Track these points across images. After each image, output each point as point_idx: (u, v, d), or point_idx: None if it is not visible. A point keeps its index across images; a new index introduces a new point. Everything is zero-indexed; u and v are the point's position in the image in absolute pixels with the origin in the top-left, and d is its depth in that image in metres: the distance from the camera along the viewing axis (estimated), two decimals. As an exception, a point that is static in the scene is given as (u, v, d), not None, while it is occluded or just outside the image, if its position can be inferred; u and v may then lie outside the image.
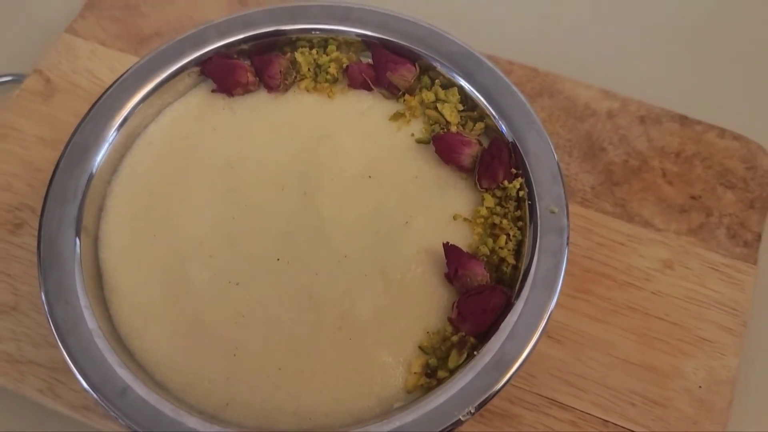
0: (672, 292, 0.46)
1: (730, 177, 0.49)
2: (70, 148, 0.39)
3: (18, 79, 0.55)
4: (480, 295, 0.36)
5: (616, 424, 0.42)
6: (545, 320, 0.35)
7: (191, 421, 0.33)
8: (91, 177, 0.39)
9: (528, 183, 0.39)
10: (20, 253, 0.47)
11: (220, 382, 0.36)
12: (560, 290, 0.36)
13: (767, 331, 0.47)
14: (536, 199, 0.38)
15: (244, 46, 0.43)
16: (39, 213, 0.39)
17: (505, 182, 0.39)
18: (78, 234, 0.38)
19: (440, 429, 0.33)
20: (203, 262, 0.38)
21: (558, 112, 0.51)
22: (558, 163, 0.39)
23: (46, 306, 0.35)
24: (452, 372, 0.35)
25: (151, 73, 0.42)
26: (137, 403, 0.34)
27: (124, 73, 0.42)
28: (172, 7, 0.56)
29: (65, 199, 0.38)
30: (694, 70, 0.57)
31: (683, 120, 0.51)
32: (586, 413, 0.43)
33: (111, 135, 0.40)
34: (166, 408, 0.34)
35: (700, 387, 0.43)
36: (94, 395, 0.34)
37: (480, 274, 0.37)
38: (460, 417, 0.33)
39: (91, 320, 0.35)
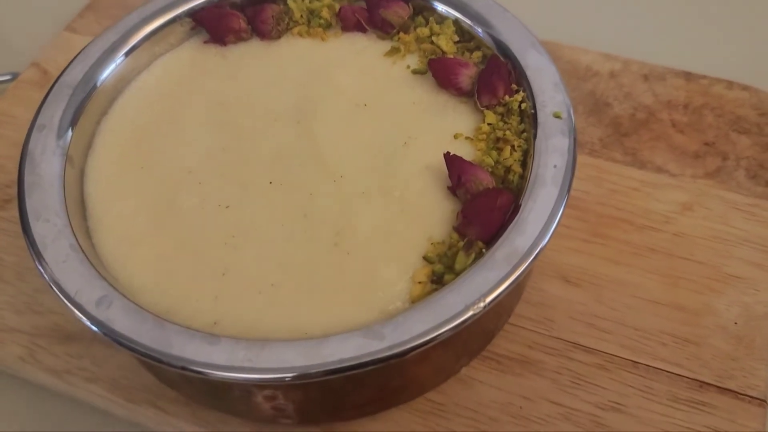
0: (694, 233, 0.43)
1: (743, 123, 0.47)
2: (57, 86, 0.38)
3: (15, 78, 0.55)
4: (486, 196, 0.33)
5: (647, 365, 0.39)
6: (558, 215, 0.32)
7: (174, 329, 0.30)
8: (77, 111, 0.38)
9: (530, 95, 0.37)
10: (6, 226, 0.46)
11: (208, 302, 0.33)
12: (570, 192, 0.34)
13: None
14: (538, 108, 0.36)
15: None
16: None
17: (506, 97, 0.37)
18: (63, 162, 0.36)
19: (450, 325, 0.30)
20: (192, 189, 0.36)
21: (560, 75, 0.50)
22: (559, 75, 0.37)
23: (22, 223, 0.33)
24: (460, 275, 0.32)
25: (143, 22, 0.41)
26: (117, 313, 0.31)
27: (117, 22, 0.41)
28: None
29: (51, 130, 0.37)
30: (694, 30, 0.57)
31: (688, 76, 0.50)
32: (614, 355, 0.39)
33: (101, 76, 0.39)
34: (147, 318, 0.31)
35: (735, 323, 0.39)
36: (70, 306, 0.31)
37: (485, 179, 0.35)
38: (472, 311, 0.30)
39: (70, 237, 0.33)
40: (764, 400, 0.37)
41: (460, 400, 0.38)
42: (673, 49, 0.54)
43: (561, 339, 0.40)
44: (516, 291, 0.39)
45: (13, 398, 0.42)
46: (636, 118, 0.48)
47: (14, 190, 0.46)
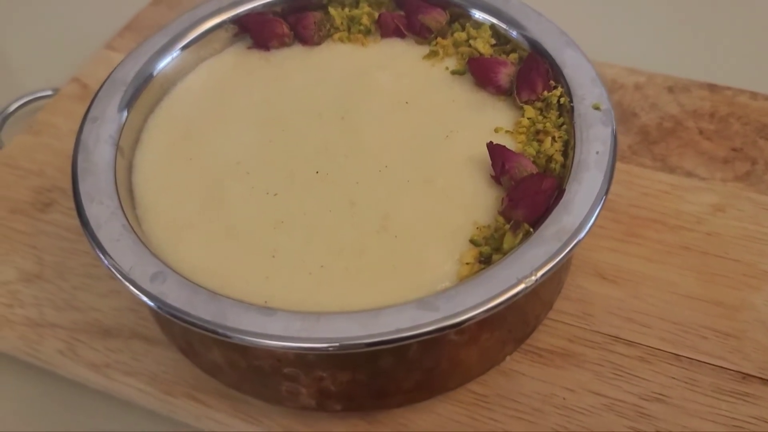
0: (727, 232, 0.44)
1: (769, 131, 0.48)
2: (109, 80, 0.40)
3: (56, 94, 0.56)
4: (531, 180, 0.34)
5: (689, 358, 0.39)
6: (603, 197, 0.33)
7: (228, 302, 0.31)
8: (128, 106, 0.39)
9: (568, 91, 0.38)
10: (48, 228, 0.46)
11: (258, 282, 0.33)
12: (614, 175, 0.34)
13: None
14: (577, 102, 0.37)
15: (278, 8, 0.45)
16: (70, 192, 0.36)
17: (545, 93, 0.39)
18: (114, 151, 0.37)
19: (504, 297, 0.30)
20: (240, 179, 0.37)
21: (585, 86, 0.52)
22: (595, 70, 0.38)
23: (76, 204, 0.34)
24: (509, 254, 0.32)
25: (191, 26, 0.43)
26: (171, 287, 0.31)
27: (166, 25, 0.43)
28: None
29: (102, 121, 0.38)
30: (718, 44, 0.58)
31: (712, 87, 0.51)
32: (655, 348, 0.39)
33: (149, 74, 0.41)
34: (201, 292, 0.31)
35: (774, 317, 0.40)
36: (125, 282, 0.31)
37: (528, 166, 0.35)
38: (524, 284, 0.30)
39: (122, 219, 0.34)
40: (809, 391, 0.37)
41: (502, 392, 0.38)
42: (695, 62, 0.56)
43: (601, 333, 0.40)
44: (555, 285, 0.40)
45: (49, 397, 0.42)
46: (663, 127, 0.49)
47: (56, 195, 0.48)
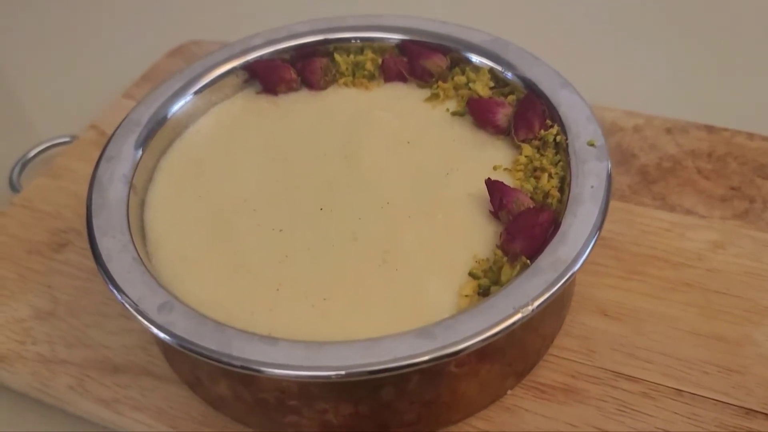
0: (728, 269, 0.44)
1: (767, 170, 0.49)
2: (125, 122, 0.42)
3: (74, 140, 0.58)
4: (528, 213, 0.35)
5: (692, 393, 0.39)
6: (598, 229, 0.34)
7: (233, 332, 0.31)
8: (143, 146, 0.41)
9: (564, 130, 0.39)
10: (62, 268, 0.48)
11: (263, 314, 0.34)
12: (609, 209, 0.35)
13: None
14: (573, 139, 0.39)
15: (287, 55, 0.47)
16: (84, 233, 0.38)
17: (542, 131, 0.40)
18: (127, 189, 0.38)
19: (501, 327, 0.31)
20: (247, 215, 0.39)
21: (586, 129, 0.53)
22: (591, 109, 0.40)
23: (89, 238, 0.35)
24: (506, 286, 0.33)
25: (204, 71, 0.45)
26: (178, 317, 0.32)
27: (179, 71, 0.45)
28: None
29: (118, 160, 0.39)
30: (715, 85, 0.60)
31: (709, 128, 0.53)
32: (658, 384, 0.39)
33: (163, 117, 0.43)
34: (207, 322, 0.32)
35: (777, 352, 0.40)
36: (133, 311, 0.32)
37: (525, 200, 0.36)
38: (521, 313, 0.31)
39: (132, 251, 0.35)
40: (813, 426, 0.37)
41: (505, 427, 0.38)
42: (693, 105, 0.57)
43: (603, 368, 0.40)
44: (556, 320, 0.40)
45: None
46: (662, 167, 0.50)
47: (71, 236, 0.49)
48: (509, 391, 0.38)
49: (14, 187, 0.54)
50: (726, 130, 0.52)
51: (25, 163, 0.57)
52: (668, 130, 0.53)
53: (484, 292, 0.34)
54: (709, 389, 0.39)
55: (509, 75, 0.43)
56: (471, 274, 0.35)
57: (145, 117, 0.42)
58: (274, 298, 0.35)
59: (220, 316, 0.34)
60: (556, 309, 0.36)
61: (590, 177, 0.36)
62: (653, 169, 0.50)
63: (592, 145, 0.38)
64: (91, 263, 0.35)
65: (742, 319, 0.41)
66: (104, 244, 0.35)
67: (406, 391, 0.33)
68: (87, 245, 0.36)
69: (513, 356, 0.37)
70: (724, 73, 0.62)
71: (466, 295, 0.34)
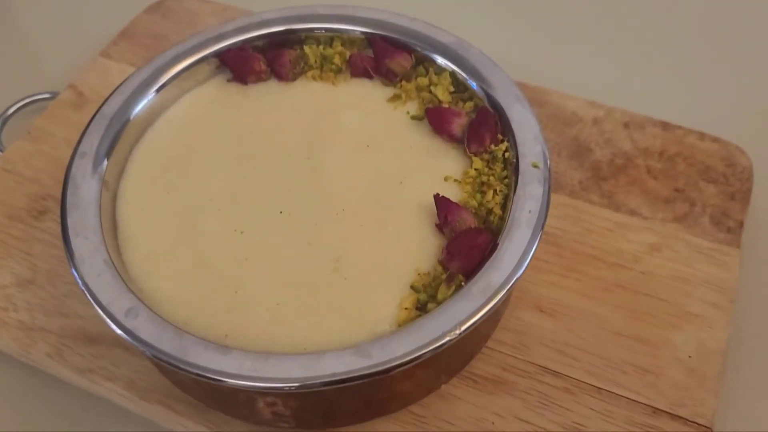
0: (660, 272, 0.47)
1: (711, 173, 0.52)
2: (97, 116, 0.43)
3: (54, 96, 0.60)
4: (468, 235, 0.38)
5: (609, 391, 0.43)
6: (530, 254, 0.37)
7: (190, 339, 0.35)
8: (114, 140, 0.43)
9: (513, 145, 0.42)
10: (42, 236, 0.51)
11: (221, 316, 0.38)
12: (542, 233, 0.38)
13: (754, 307, 0.48)
14: (520, 158, 0.41)
15: (259, 43, 0.48)
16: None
17: (492, 146, 0.42)
18: (100, 186, 0.41)
19: (429, 348, 0.34)
20: (212, 215, 0.41)
21: (547, 119, 0.55)
22: (538, 127, 0.42)
23: (64, 238, 0.38)
24: (441, 304, 0.37)
25: (176, 60, 0.46)
26: (142, 322, 0.35)
27: (153, 59, 0.46)
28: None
29: (91, 157, 0.42)
30: (674, 81, 0.62)
31: (665, 125, 0.55)
32: (580, 381, 0.43)
33: (135, 108, 0.44)
34: (168, 328, 0.35)
35: (690, 357, 0.44)
36: (103, 315, 0.36)
37: (468, 219, 0.39)
38: (449, 337, 0.34)
39: (104, 253, 0.38)
40: (710, 428, 0.41)
41: (439, 414, 0.42)
42: (653, 98, 0.59)
43: (533, 363, 0.44)
44: (493, 319, 0.44)
45: (39, 395, 0.47)
46: (615, 164, 0.53)
47: (50, 203, 0.52)
48: (443, 386, 0.43)
49: (-3, 145, 0.56)
50: (680, 128, 0.54)
51: (5, 120, 0.59)
52: (626, 125, 0.55)
53: (422, 307, 0.37)
54: (624, 388, 0.43)
55: (470, 81, 0.45)
56: (412, 287, 0.38)
57: (115, 109, 0.44)
58: (233, 300, 0.38)
59: (183, 315, 0.38)
60: (493, 315, 0.40)
61: (530, 201, 0.39)
62: (606, 165, 0.53)
63: (536, 166, 0.40)
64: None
65: (664, 323, 0.45)
66: (77, 245, 0.38)
67: (347, 390, 0.37)
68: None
69: (450, 359, 0.41)
70: (689, 70, 0.63)
71: (406, 308, 0.37)
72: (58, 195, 0.52)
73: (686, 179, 0.52)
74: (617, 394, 0.43)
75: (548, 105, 0.56)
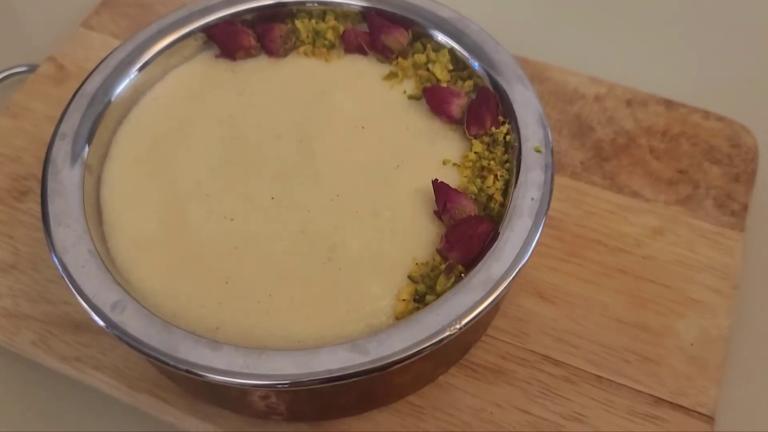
0: (662, 257, 0.46)
1: (716, 153, 0.51)
2: (77, 96, 0.41)
3: (33, 69, 0.57)
4: (468, 223, 0.37)
5: (610, 380, 0.42)
6: (532, 245, 0.36)
7: (179, 334, 0.34)
8: (96, 121, 0.41)
9: (515, 128, 0.40)
10: (24, 218, 0.49)
11: (212, 308, 0.36)
12: (544, 223, 0.37)
13: (758, 293, 0.47)
14: (522, 141, 0.39)
15: (248, 16, 0.46)
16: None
17: (493, 128, 0.41)
18: (82, 170, 0.39)
19: (428, 343, 0.33)
20: (200, 200, 0.39)
21: (548, 96, 0.54)
22: (542, 109, 0.40)
23: (45, 227, 0.36)
24: (440, 296, 0.35)
25: (160, 35, 0.44)
26: (128, 316, 0.34)
27: (136, 33, 0.44)
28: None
29: (72, 138, 0.40)
30: (678, 58, 0.60)
31: (668, 103, 0.53)
32: (581, 369, 0.43)
33: (119, 87, 0.42)
34: (156, 322, 0.34)
35: (692, 345, 0.43)
36: (88, 309, 0.34)
37: (468, 207, 0.38)
38: (448, 332, 0.33)
39: (88, 243, 0.36)
40: (712, 417, 0.41)
41: (437, 404, 0.41)
42: (657, 75, 0.57)
43: (533, 351, 0.43)
44: (493, 308, 0.42)
45: (26, 380, 0.45)
46: (617, 143, 0.51)
47: (32, 183, 0.50)
48: (441, 376, 0.42)
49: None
50: (684, 106, 0.53)
51: (-17, 94, 0.56)
52: (628, 102, 0.53)
53: (419, 299, 0.36)
54: (626, 377, 0.42)
55: (470, 59, 0.43)
56: (410, 277, 0.37)
57: (97, 88, 0.42)
58: (224, 291, 0.37)
59: (172, 307, 0.36)
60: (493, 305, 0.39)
61: (532, 188, 0.37)
62: (608, 144, 0.51)
63: (538, 151, 0.39)
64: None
65: (666, 310, 0.44)
66: (59, 235, 0.36)
67: (343, 386, 0.36)
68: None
69: (449, 351, 0.39)
70: (692, 47, 0.61)
71: (403, 299, 0.36)
72: (40, 175, 0.50)
73: (690, 160, 0.50)
74: (618, 383, 0.42)
75: (549, 81, 0.54)
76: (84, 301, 0.34)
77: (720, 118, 0.52)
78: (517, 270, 0.35)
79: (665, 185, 0.49)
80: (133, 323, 0.34)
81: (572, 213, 0.48)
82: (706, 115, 0.52)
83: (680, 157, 0.50)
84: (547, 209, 0.37)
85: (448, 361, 0.41)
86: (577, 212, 0.48)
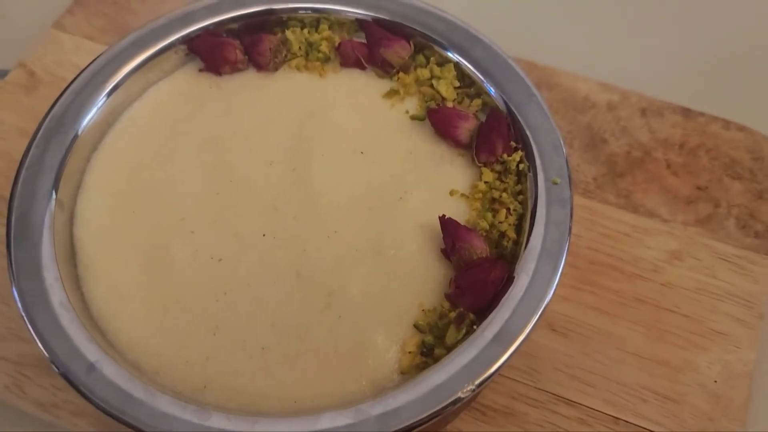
0: (682, 284, 0.43)
1: (737, 168, 0.47)
2: (48, 119, 0.37)
3: (2, 74, 0.53)
4: (480, 267, 0.33)
5: (627, 421, 0.40)
6: (550, 293, 0.33)
7: (164, 400, 0.30)
8: (68, 149, 0.37)
9: (529, 156, 0.37)
10: (-7, 245, 0.45)
11: (198, 364, 0.33)
12: (563, 267, 0.34)
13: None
14: (537, 171, 0.36)
15: (234, 25, 0.42)
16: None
17: (504, 155, 0.37)
18: (53, 207, 0.35)
19: (438, 408, 0.30)
20: (184, 239, 0.36)
21: (557, 104, 0.50)
22: (559, 134, 0.37)
23: (11, 277, 0.33)
24: (450, 349, 0.32)
25: (137, 48, 0.40)
26: (106, 380, 0.31)
27: (109, 48, 0.40)
28: (162, 4, 0.55)
29: (41, 170, 0.36)
30: (694, 65, 0.56)
31: (686, 112, 0.50)
32: (596, 410, 0.40)
33: (92, 109, 0.38)
34: (138, 386, 0.31)
35: (715, 381, 0.40)
36: (58, 370, 0.31)
37: (479, 246, 0.34)
38: (460, 394, 0.30)
39: (60, 293, 0.33)
40: (737, 463, 0.38)
41: (444, 450, 0.39)
42: (672, 81, 0.54)
43: (545, 391, 0.40)
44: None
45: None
46: (631, 157, 0.48)
47: (1, 206, 0.46)
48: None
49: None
50: (702, 115, 0.49)
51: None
52: (643, 111, 0.50)
53: (427, 351, 0.33)
54: (644, 418, 0.40)
55: (477, 74, 0.39)
56: (416, 326, 0.34)
57: (68, 113, 0.38)
58: (211, 343, 0.33)
59: (153, 364, 0.33)
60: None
61: (550, 227, 0.34)
62: (622, 158, 0.48)
63: (555, 183, 0.35)
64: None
65: (687, 342, 0.42)
66: (25, 287, 0.33)
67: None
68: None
69: (460, 407, 0.36)
70: (709, 54, 0.57)
71: (410, 352, 0.33)
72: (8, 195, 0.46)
73: (709, 175, 0.47)
74: (636, 425, 0.40)
75: (558, 88, 0.50)
76: (57, 366, 0.31)
77: (741, 128, 0.49)
78: (534, 322, 0.32)
79: (683, 204, 0.46)
80: (111, 390, 0.31)
81: (585, 235, 0.45)
82: (726, 124, 0.49)
83: (699, 172, 0.47)
84: (567, 251, 0.34)
85: (457, 412, 0.38)
86: (591, 234, 0.45)
